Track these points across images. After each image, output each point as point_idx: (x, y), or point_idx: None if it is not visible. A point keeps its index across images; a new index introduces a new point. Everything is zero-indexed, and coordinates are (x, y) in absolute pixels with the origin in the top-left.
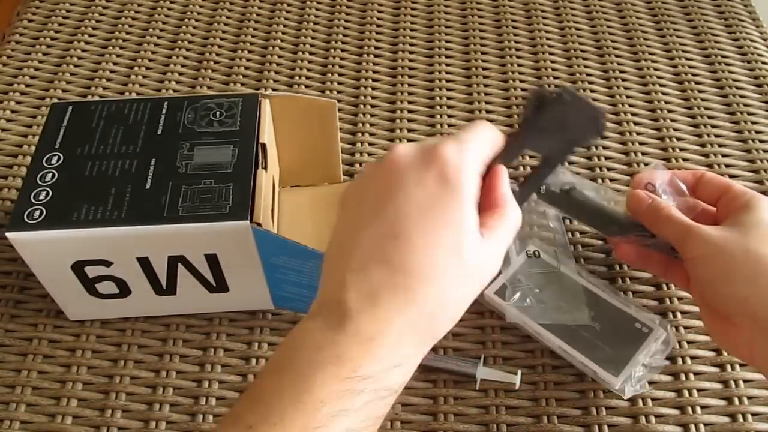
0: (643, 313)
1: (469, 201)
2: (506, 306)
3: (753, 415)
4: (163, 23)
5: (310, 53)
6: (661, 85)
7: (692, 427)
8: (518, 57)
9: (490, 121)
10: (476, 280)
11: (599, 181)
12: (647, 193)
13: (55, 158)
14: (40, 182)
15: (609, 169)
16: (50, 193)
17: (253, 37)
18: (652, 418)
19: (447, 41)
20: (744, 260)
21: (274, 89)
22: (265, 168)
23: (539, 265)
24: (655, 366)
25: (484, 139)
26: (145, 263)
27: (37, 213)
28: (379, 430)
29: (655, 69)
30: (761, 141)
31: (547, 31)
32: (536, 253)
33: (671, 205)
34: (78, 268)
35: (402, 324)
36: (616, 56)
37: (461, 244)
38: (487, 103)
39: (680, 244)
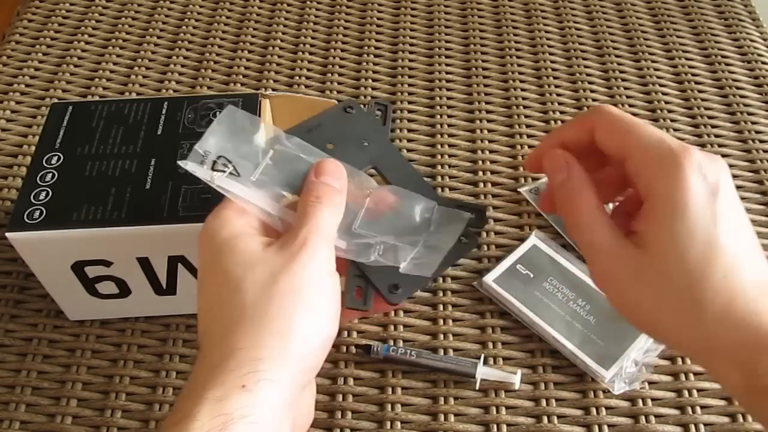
0: None
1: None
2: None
3: None
4: (163, 23)
5: (310, 53)
6: (661, 85)
7: (692, 427)
8: (518, 57)
9: (490, 121)
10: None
11: None
12: (569, 157)
13: (55, 158)
14: (40, 182)
15: None
16: (50, 193)
17: (253, 37)
18: (652, 418)
19: (447, 41)
20: (663, 313)
21: (274, 89)
22: None
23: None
24: (648, 363)
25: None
26: (145, 263)
27: (37, 213)
28: (380, 429)
29: (655, 69)
30: (761, 141)
31: (547, 31)
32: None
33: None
34: (78, 268)
35: None
36: (616, 56)
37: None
38: (487, 103)
39: (586, 261)
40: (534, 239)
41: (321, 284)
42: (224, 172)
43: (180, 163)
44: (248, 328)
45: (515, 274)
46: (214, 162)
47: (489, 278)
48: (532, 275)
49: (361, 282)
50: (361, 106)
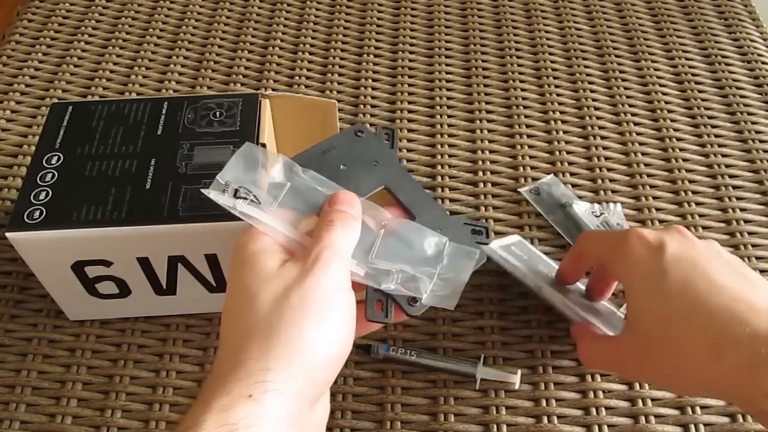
0: None
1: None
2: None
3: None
4: (163, 23)
5: (310, 53)
6: (661, 85)
7: (692, 427)
8: (518, 57)
9: (490, 121)
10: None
11: (599, 181)
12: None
13: (55, 158)
14: (40, 182)
15: (609, 170)
16: (50, 193)
17: (253, 37)
18: (652, 418)
19: (447, 41)
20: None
21: (274, 89)
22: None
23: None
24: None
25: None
26: (145, 263)
27: (37, 213)
28: (380, 429)
29: (655, 69)
30: (761, 141)
31: (547, 31)
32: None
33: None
34: (78, 268)
35: None
36: (616, 56)
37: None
38: (487, 103)
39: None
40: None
41: (333, 299)
42: (246, 199)
43: (203, 191)
44: (259, 339)
45: (521, 247)
46: (236, 190)
47: (495, 244)
48: (526, 257)
49: (381, 295)
50: (370, 130)
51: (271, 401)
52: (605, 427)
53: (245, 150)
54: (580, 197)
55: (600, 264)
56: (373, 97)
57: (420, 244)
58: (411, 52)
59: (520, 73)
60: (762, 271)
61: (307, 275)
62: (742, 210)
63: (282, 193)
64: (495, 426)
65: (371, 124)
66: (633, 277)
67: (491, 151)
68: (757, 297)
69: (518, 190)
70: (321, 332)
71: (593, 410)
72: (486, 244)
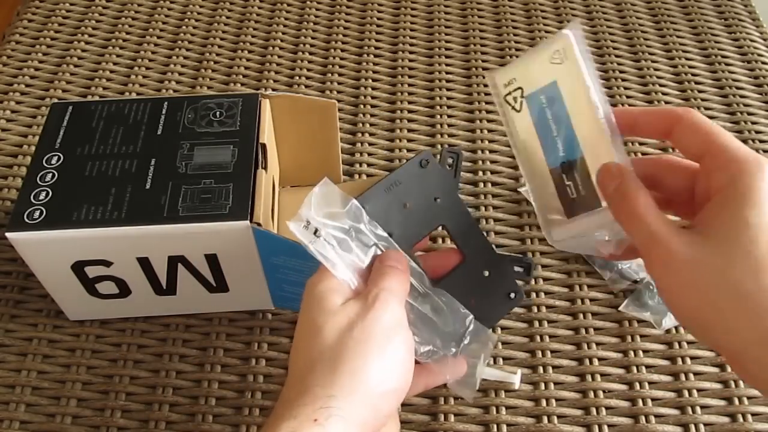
0: None
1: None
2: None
3: (753, 415)
4: (163, 23)
5: (310, 53)
6: (661, 85)
7: (692, 427)
8: (518, 57)
9: (490, 121)
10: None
11: None
12: (622, 167)
13: (55, 158)
14: (40, 182)
15: None
16: (50, 193)
17: (253, 37)
18: (652, 418)
19: (447, 41)
20: (720, 299)
21: (274, 89)
22: (265, 168)
23: None
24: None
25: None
26: (145, 263)
27: (37, 213)
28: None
29: (655, 69)
30: (761, 141)
31: (547, 31)
32: None
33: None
34: (78, 268)
35: None
36: (616, 56)
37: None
38: (487, 103)
39: (642, 254)
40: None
41: (393, 333)
42: (322, 239)
43: (289, 224)
44: (324, 368)
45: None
46: (316, 230)
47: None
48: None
49: None
50: (434, 156)
51: (334, 426)
52: (605, 427)
53: (323, 186)
54: None
55: (695, 156)
56: (373, 97)
57: (448, 317)
58: (411, 52)
59: None
60: None
61: (369, 311)
62: None
63: (350, 240)
64: (495, 426)
65: (441, 145)
66: (757, 196)
67: (491, 151)
68: None
69: (518, 189)
70: (383, 364)
71: (593, 410)
72: (526, 281)
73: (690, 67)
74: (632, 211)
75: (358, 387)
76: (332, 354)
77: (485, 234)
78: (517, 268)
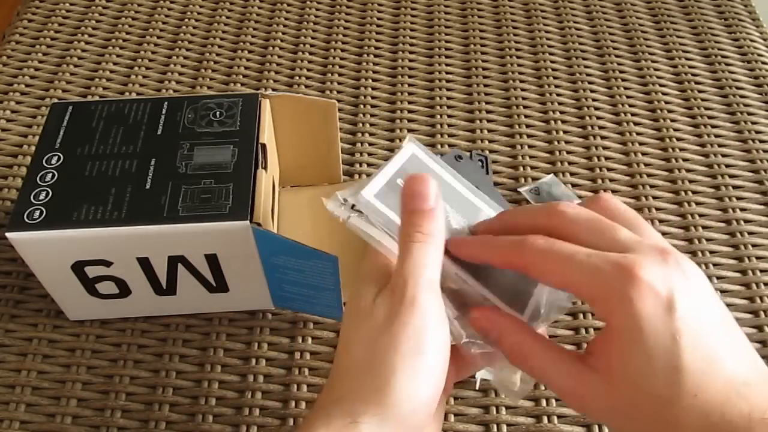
0: None
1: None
2: None
3: None
4: (163, 23)
5: (310, 53)
6: (661, 85)
7: None
8: (518, 57)
9: (490, 121)
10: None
11: (599, 181)
12: (492, 317)
13: (55, 158)
14: (40, 182)
15: (609, 170)
16: (50, 193)
17: (253, 37)
18: None
19: (447, 41)
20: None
21: (274, 89)
22: (265, 168)
23: None
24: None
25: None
26: (145, 263)
27: (37, 213)
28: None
29: (655, 69)
30: (761, 141)
31: (547, 31)
32: None
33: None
34: (78, 268)
35: None
36: (616, 56)
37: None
38: (487, 103)
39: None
40: (412, 147)
41: (422, 341)
42: (362, 215)
43: (323, 198)
44: (352, 380)
45: (396, 191)
46: (353, 205)
47: (368, 192)
48: None
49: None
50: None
51: None
52: (605, 427)
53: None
54: (580, 197)
55: (565, 285)
56: (373, 97)
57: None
58: (411, 52)
59: (520, 73)
60: (762, 271)
61: (395, 318)
62: (742, 210)
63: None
64: (495, 426)
65: (441, 145)
66: (636, 336)
67: (491, 151)
68: (746, 365)
69: (518, 189)
70: (409, 379)
71: None
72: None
73: (690, 67)
74: (530, 369)
75: (383, 405)
76: (360, 366)
77: None
78: None
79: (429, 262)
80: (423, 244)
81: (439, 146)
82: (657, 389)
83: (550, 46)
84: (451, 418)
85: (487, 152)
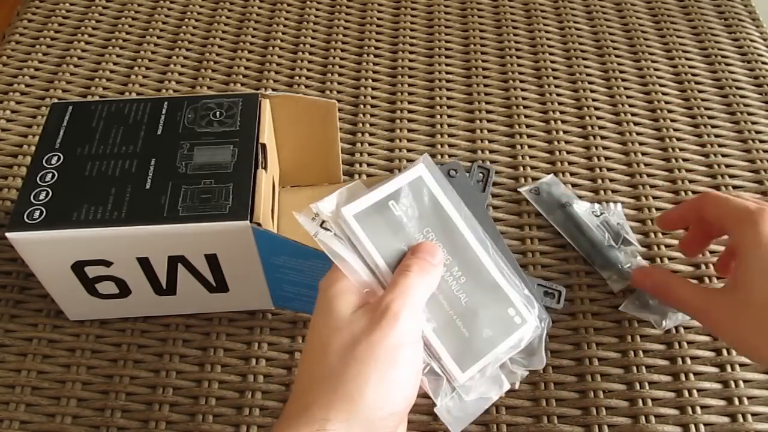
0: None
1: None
2: None
3: (753, 415)
4: (163, 23)
5: (310, 53)
6: (661, 85)
7: (692, 427)
8: (518, 57)
9: (490, 121)
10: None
11: (599, 181)
12: (645, 270)
13: (55, 158)
14: (40, 182)
15: (609, 170)
16: (50, 193)
17: (253, 37)
18: (652, 418)
19: (447, 41)
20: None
21: (274, 89)
22: (265, 168)
23: None
24: (515, 372)
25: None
26: (145, 263)
27: (37, 213)
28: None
29: (655, 69)
30: (761, 141)
31: (547, 31)
32: None
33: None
34: (78, 268)
35: None
36: (616, 56)
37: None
38: (487, 103)
39: (699, 321)
40: (421, 169)
41: (398, 354)
42: (330, 231)
43: (295, 213)
44: (324, 389)
45: (384, 213)
46: (323, 221)
47: (348, 211)
48: (405, 219)
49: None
50: (464, 169)
51: None
52: (605, 427)
53: (354, 186)
54: (580, 197)
55: (719, 227)
56: (373, 97)
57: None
58: (411, 52)
59: (520, 73)
60: None
61: (375, 328)
62: None
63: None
64: (495, 426)
65: (471, 161)
66: (758, 251)
67: (491, 151)
68: None
69: (518, 189)
70: (382, 388)
71: (593, 410)
72: (557, 310)
73: (690, 67)
74: (672, 297)
75: (354, 413)
76: (332, 374)
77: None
78: (546, 296)
79: (420, 293)
80: (418, 277)
81: (439, 146)
82: None
83: (550, 46)
84: None
85: (490, 164)
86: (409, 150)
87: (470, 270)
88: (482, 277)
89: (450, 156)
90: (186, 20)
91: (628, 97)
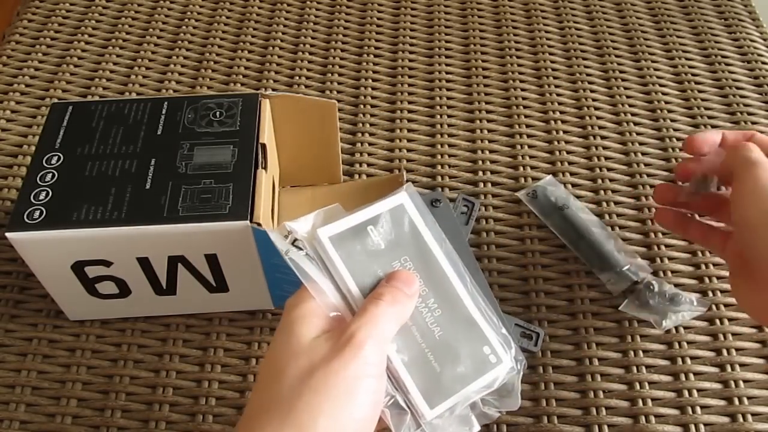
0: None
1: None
2: None
3: (753, 415)
4: (163, 23)
5: (310, 53)
6: (661, 85)
7: (692, 427)
8: (518, 57)
9: (490, 121)
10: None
11: (599, 181)
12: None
13: (55, 158)
14: (40, 182)
15: (609, 170)
16: (50, 193)
17: (253, 37)
18: (652, 418)
19: (447, 41)
20: None
21: (274, 89)
22: (265, 168)
23: None
24: (487, 414)
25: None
26: (145, 263)
27: (37, 213)
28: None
29: (655, 69)
30: None
31: (547, 31)
32: None
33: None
34: (78, 268)
35: None
36: (616, 56)
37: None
38: (487, 103)
39: (739, 173)
40: (404, 197)
41: (356, 386)
42: (302, 250)
43: (267, 230)
44: (274, 417)
45: (361, 238)
46: (296, 239)
47: (324, 233)
48: (383, 245)
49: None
50: (448, 199)
51: None
52: (605, 427)
53: (332, 209)
54: (580, 197)
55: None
56: (373, 97)
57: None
58: (411, 52)
59: (520, 73)
60: None
61: (335, 357)
62: None
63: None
64: (495, 426)
65: (441, 145)
66: (750, 185)
67: (491, 151)
68: None
69: (516, 194)
70: (337, 421)
71: (593, 410)
72: (533, 352)
73: (690, 67)
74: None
75: None
76: (286, 401)
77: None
78: (523, 337)
79: (389, 324)
80: (390, 306)
81: (439, 146)
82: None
83: (550, 46)
84: None
85: (476, 201)
86: (409, 150)
87: (446, 303)
88: (458, 311)
89: (450, 156)
90: (186, 20)
91: (628, 97)
